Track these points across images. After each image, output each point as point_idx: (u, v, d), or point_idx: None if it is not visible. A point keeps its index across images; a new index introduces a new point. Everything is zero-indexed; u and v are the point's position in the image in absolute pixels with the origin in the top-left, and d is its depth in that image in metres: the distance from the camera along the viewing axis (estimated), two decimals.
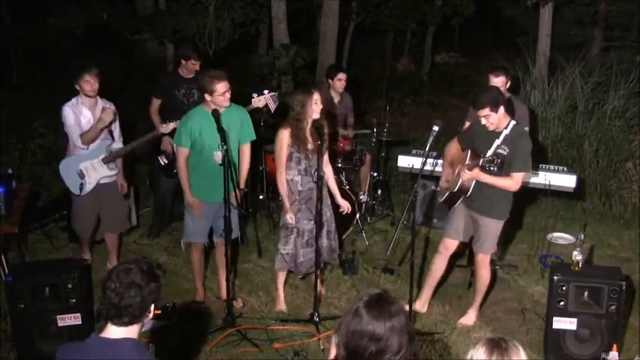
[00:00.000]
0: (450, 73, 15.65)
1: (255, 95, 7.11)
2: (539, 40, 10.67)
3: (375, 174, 8.39)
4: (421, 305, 6.36)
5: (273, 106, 7.09)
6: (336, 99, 8.21)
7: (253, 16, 11.62)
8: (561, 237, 7.93)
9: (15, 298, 5.43)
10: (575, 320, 5.51)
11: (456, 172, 5.85)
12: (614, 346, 5.33)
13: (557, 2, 11.18)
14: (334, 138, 7.81)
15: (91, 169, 6.64)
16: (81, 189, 6.66)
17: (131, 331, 3.30)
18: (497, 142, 5.70)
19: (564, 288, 5.48)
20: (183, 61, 7.35)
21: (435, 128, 5.57)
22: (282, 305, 6.48)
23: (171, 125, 6.59)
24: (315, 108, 5.97)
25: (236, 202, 5.94)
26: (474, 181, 5.74)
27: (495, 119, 5.61)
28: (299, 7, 13.28)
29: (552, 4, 10.64)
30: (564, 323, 5.53)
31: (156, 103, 7.41)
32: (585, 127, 9.04)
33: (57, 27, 13.24)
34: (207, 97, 5.91)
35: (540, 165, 7.51)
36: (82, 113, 6.49)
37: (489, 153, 5.67)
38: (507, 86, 6.96)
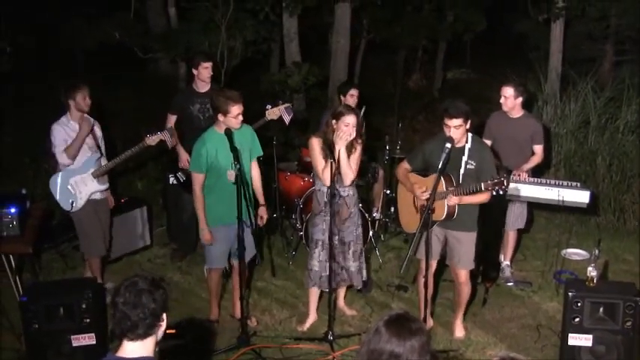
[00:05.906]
0: (462, 90, 15.59)
1: (269, 107, 7.15)
2: (551, 55, 10.66)
3: (388, 191, 8.38)
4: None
5: (287, 118, 7.12)
6: None
7: (265, 34, 11.64)
8: (575, 253, 7.89)
9: (29, 318, 5.43)
10: (590, 336, 5.49)
11: (440, 199, 5.72)
12: None
13: (568, 17, 11.19)
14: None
15: (81, 183, 6.59)
16: (72, 205, 6.59)
17: (147, 347, 3.28)
18: (464, 158, 5.79)
19: (579, 304, 5.46)
20: (195, 71, 7.29)
21: (448, 146, 5.56)
22: (306, 325, 6.44)
23: (158, 137, 6.60)
24: (346, 129, 5.88)
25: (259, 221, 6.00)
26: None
27: (461, 133, 5.70)
28: (311, 25, 13.32)
29: (563, 20, 10.64)
30: (580, 340, 5.51)
31: (171, 119, 7.37)
32: (598, 142, 9.02)
33: (70, 45, 13.30)
34: (220, 117, 5.86)
35: (553, 181, 7.47)
36: (73, 129, 6.49)
37: (461, 172, 5.77)
38: (518, 101, 6.93)
